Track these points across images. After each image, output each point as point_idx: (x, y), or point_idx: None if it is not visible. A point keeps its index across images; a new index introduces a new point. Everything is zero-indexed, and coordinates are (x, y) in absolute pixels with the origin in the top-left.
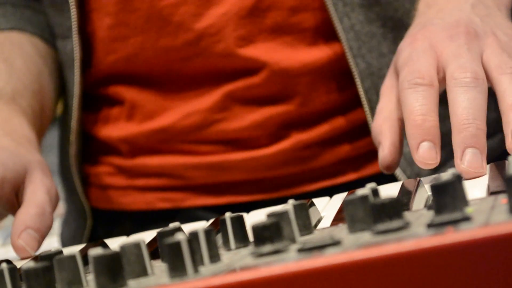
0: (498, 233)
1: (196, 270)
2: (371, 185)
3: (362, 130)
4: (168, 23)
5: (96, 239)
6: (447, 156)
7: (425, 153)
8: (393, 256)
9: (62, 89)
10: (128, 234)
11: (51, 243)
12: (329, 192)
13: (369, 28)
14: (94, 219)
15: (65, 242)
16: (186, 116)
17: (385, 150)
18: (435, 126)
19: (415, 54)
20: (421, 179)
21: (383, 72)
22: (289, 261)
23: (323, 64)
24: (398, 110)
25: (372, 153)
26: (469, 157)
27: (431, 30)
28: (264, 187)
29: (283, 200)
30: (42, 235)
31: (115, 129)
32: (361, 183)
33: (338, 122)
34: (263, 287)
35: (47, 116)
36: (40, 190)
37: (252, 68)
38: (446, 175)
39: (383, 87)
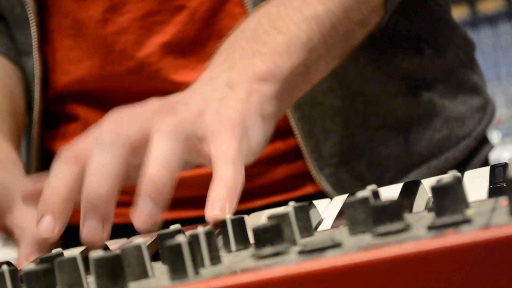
0: (498, 236)
1: (196, 272)
2: (371, 187)
3: None
4: (111, 50)
5: None
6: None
7: (43, 226)
8: (393, 258)
9: (29, 107)
10: None
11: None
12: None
13: None
14: None
15: None
16: None
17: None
18: (63, 200)
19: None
20: (422, 181)
21: (317, 101)
22: (290, 263)
23: None
24: None
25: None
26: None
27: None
28: None
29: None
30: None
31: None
32: (318, 195)
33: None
34: None
35: (21, 136)
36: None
37: None
38: (446, 177)
39: None
